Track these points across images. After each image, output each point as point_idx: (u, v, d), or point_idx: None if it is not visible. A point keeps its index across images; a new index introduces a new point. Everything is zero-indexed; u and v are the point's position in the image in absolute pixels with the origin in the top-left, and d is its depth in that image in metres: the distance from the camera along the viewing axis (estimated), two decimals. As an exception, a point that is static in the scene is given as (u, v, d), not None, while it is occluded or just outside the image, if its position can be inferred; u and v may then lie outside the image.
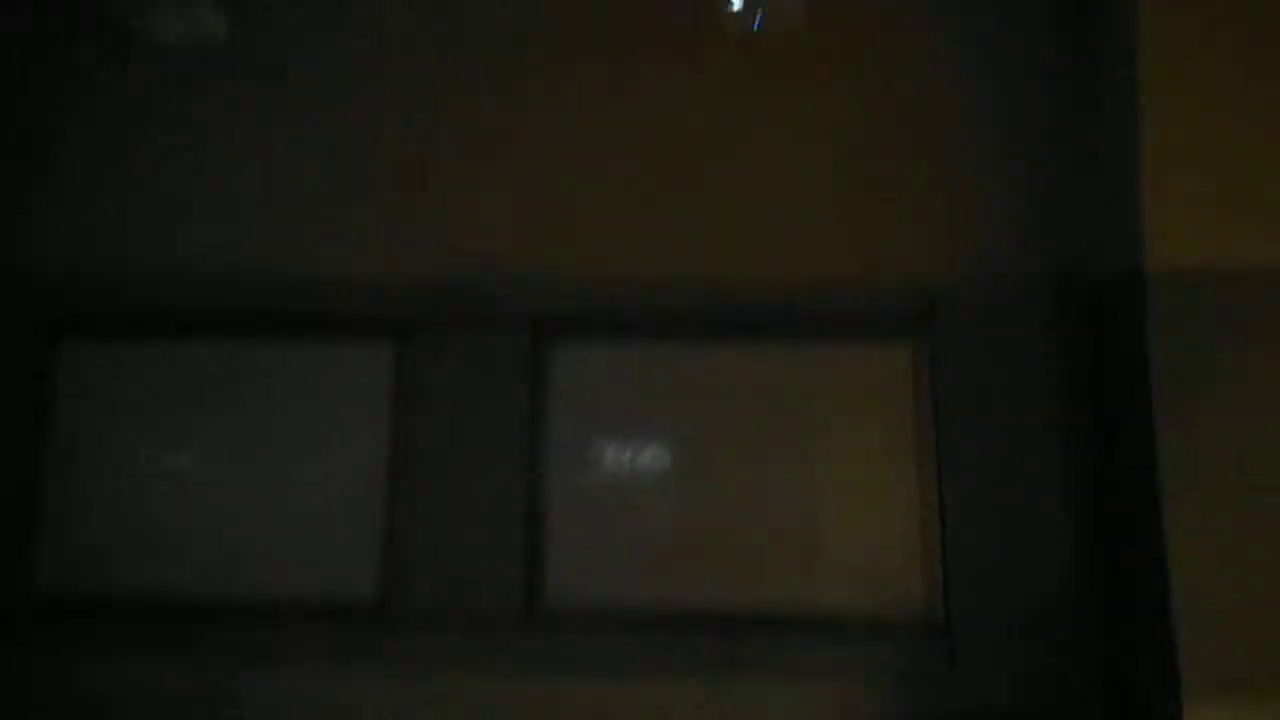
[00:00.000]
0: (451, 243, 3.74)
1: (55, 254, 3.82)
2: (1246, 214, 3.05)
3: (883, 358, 3.62)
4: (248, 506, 3.70)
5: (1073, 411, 3.46)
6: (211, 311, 3.78)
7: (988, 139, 3.64)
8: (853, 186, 3.65)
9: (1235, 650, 2.90)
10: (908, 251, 3.60)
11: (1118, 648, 3.25)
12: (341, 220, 3.78)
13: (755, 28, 3.07)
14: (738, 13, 3.05)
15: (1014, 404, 3.49)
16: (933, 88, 3.68)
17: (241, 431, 3.75)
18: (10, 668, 3.59)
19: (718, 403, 3.65)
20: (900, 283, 3.59)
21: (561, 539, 3.64)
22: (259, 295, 3.75)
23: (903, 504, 3.54)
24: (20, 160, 3.88)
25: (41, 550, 3.72)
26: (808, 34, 3.67)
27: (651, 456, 3.65)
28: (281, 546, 3.67)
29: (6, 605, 3.67)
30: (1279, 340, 3.00)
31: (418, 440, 3.65)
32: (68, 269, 3.80)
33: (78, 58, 3.92)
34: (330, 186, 3.80)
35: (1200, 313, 3.02)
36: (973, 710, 3.32)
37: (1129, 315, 3.16)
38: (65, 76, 3.92)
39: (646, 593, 3.55)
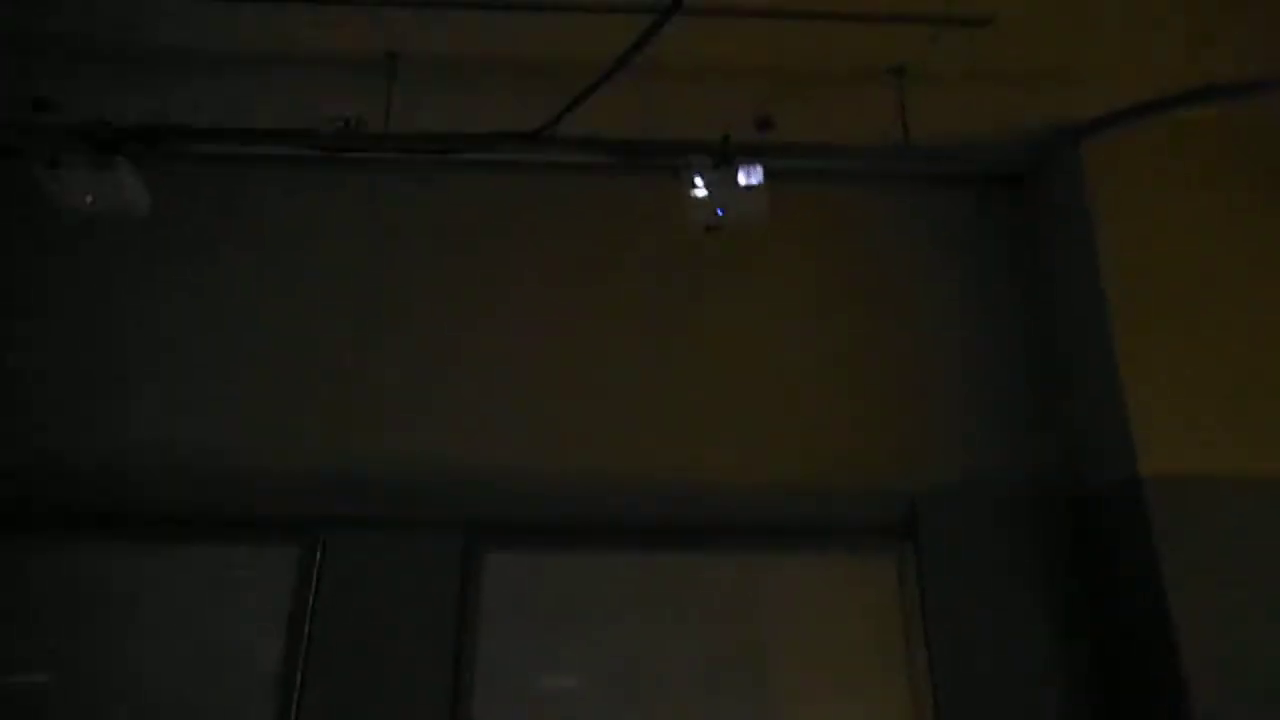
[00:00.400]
0: (381, 441, 3.37)
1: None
2: (1228, 425, 2.97)
3: (862, 568, 3.29)
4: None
5: (1065, 618, 3.18)
6: (95, 506, 3.26)
7: (967, 350, 3.56)
8: (828, 391, 3.48)
9: None
10: (887, 458, 3.39)
11: None
12: (260, 414, 3.40)
13: (719, 221, 2.98)
14: (700, 207, 2.96)
15: (1006, 614, 3.18)
16: (911, 301, 3.63)
17: (122, 644, 3.14)
18: None
19: (674, 618, 3.23)
20: (879, 489, 3.34)
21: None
22: (150, 490, 3.26)
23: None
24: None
25: None
26: (783, 243, 3.64)
27: (596, 678, 3.15)
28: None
29: None
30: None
31: (325, 655, 3.09)
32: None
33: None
34: (252, 378, 3.45)
35: (1201, 518, 2.86)
36: None
37: (1128, 523, 2.96)
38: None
39: None
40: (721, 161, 2.97)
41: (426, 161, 3.67)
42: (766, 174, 2.97)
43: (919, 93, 3.20)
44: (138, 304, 3.54)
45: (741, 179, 2.91)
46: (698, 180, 2.97)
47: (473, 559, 3.27)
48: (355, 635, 3.12)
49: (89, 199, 3.06)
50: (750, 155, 3.01)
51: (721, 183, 2.95)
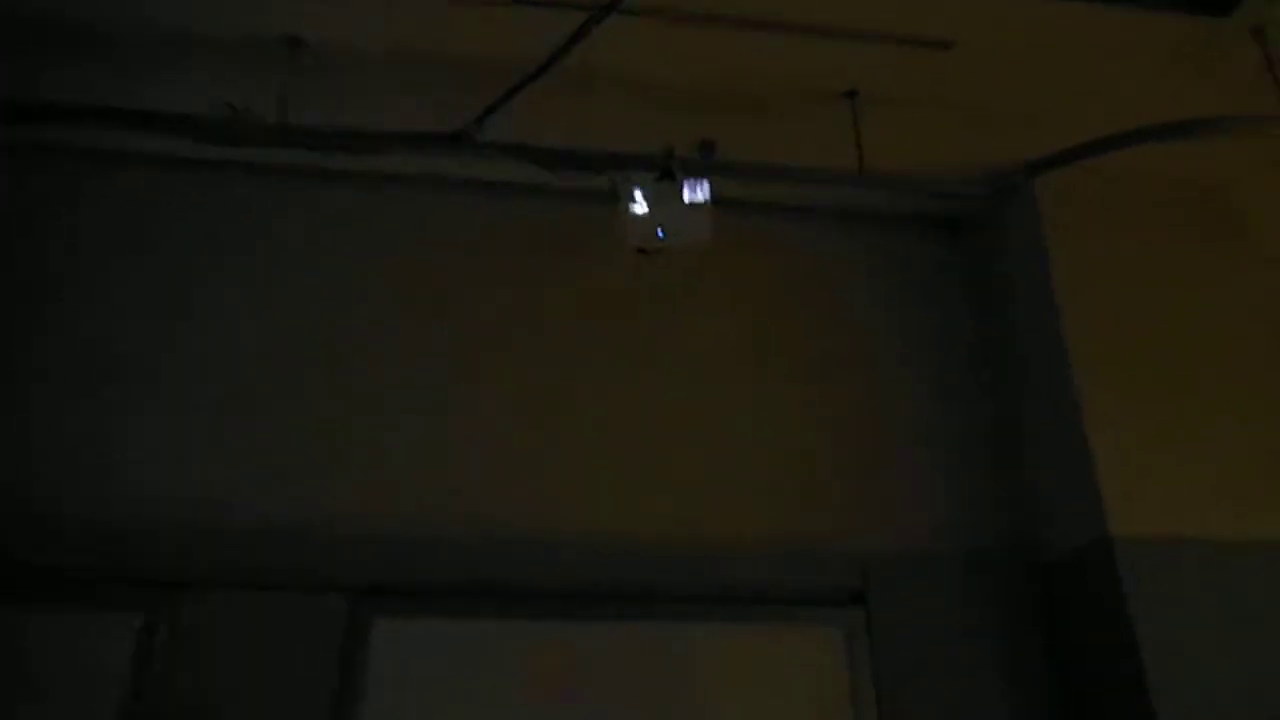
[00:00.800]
0: (247, 485, 2.85)
1: None
2: (1202, 483, 2.78)
3: (807, 639, 2.91)
4: None
5: (1029, 692, 2.86)
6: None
7: (920, 402, 3.30)
8: (769, 446, 3.14)
9: None
10: (834, 519, 3.06)
11: None
12: (89, 450, 2.86)
13: (657, 243, 2.68)
14: (637, 225, 2.65)
15: (965, 689, 2.85)
16: (862, 350, 3.36)
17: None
18: None
19: (593, 696, 2.76)
20: (826, 552, 2.99)
21: None
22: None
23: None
24: None
25: None
26: (722, 284, 3.37)
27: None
28: None
29: None
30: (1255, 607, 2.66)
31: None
32: None
33: None
34: (95, 408, 2.91)
35: (1177, 582, 2.63)
36: None
37: (1099, 588, 2.70)
38: None
39: None
40: (664, 176, 2.68)
41: (326, 167, 3.27)
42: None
43: (871, 123, 3.01)
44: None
45: (686, 195, 2.63)
46: (637, 195, 2.67)
47: (357, 627, 2.75)
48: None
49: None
50: (694, 174, 2.75)
51: (663, 199, 2.66)
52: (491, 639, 2.78)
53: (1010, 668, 2.91)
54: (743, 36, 2.73)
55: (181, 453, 2.88)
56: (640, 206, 2.66)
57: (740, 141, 3.08)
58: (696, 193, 2.64)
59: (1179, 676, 2.54)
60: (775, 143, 3.08)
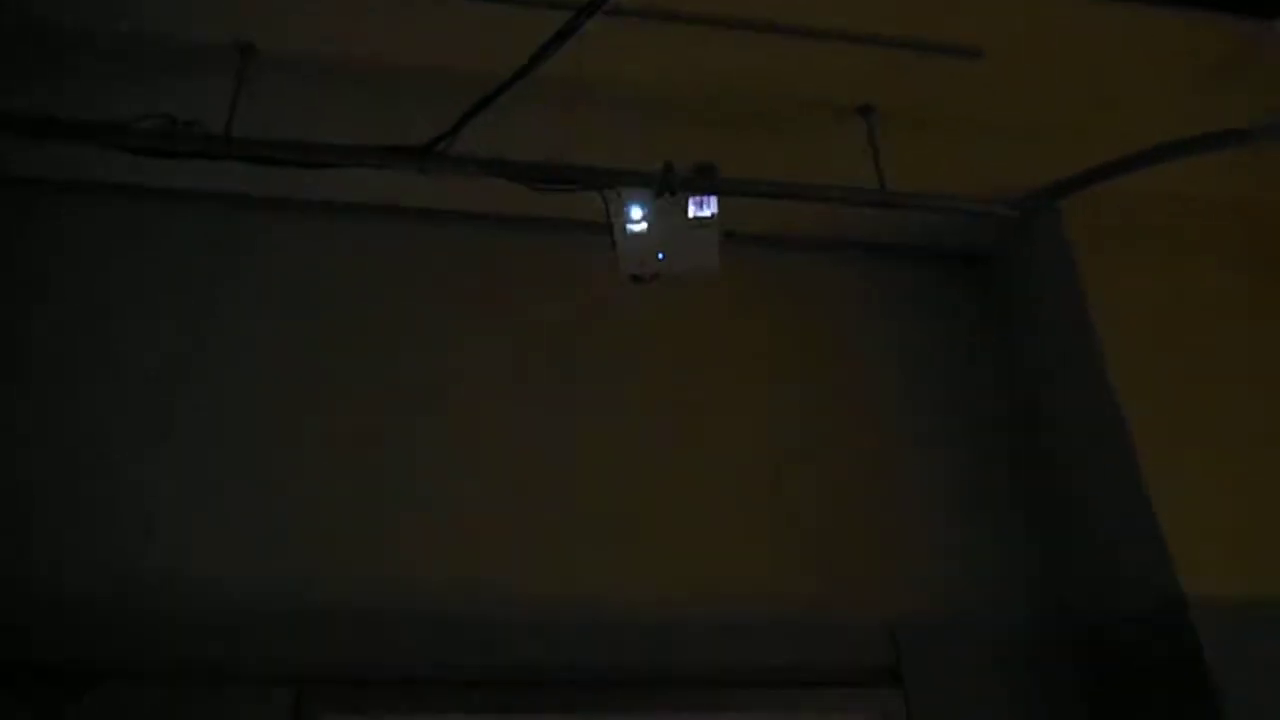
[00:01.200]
0: (173, 560, 2.41)
1: None
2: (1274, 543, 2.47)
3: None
4: None
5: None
6: None
7: (952, 456, 2.97)
8: (787, 508, 2.77)
9: None
10: (861, 587, 2.68)
11: None
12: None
13: (655, 267, 2.37)
14: (635, 247, 2.33)
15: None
16: (886, 398, 3.04)
17: None
18: None
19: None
20: (854, 625, 2.61)
21: None
22: None
23: None
24: None
25: None
26: (729, 326, 3.06)
27: None
28: None
29: None
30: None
31: None
32: None
33: None
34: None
35: (1257, 643, 2.29)
36: None
37: (1170, 656, 2.35)
38: None
39: None
40: (662, 193, 2.37)
41: (307, 199, 2.95)
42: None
43: (888, 142, 2.74)
44: None
45: (691, 210, 2.32)
46: (634, 212, 2.35)
47: (302, 726, 2.30)
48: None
49: None
50: (696, 193, 2.44)
51: (662, 216, 2.35)
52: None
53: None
54: (746, 42, 2.47)
55: (96, 524, 2.44)
56: (637, 225, 2.34)
57: (744, 162, 2.77)
58: (703, 208, 2.33)
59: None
60: (782, 164, 2.79)
